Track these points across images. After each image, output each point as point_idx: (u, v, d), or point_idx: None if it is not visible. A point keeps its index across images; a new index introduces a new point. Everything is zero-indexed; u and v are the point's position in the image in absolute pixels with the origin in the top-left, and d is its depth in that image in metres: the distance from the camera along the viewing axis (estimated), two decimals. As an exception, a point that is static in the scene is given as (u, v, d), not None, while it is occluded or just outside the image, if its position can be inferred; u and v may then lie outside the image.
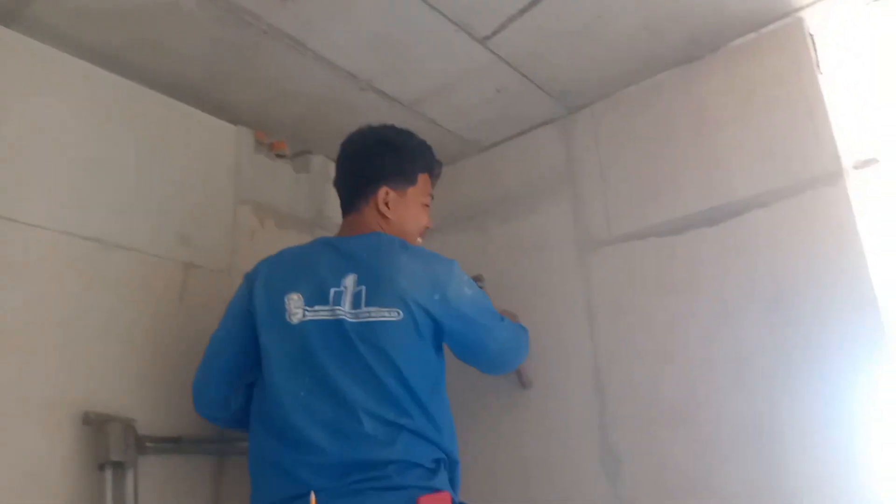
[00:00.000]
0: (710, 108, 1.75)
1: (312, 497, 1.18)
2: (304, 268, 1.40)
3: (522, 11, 1.58)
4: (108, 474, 1.34)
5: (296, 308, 1.35)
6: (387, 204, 1.49)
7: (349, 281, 1.36)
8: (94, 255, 1.56)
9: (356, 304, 1.34)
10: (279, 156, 2.08)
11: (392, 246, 1.42)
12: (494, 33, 1.66)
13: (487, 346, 1.50)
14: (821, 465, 1.41)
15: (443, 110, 2.01)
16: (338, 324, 1.32)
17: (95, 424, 1.39)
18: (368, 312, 1.33)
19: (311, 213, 2.07)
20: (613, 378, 1.75)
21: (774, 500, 1.45)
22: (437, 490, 1.27)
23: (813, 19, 1.66)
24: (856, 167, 1.54)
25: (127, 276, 1.60)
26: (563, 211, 1.98)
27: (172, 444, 1.50)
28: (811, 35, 1.67)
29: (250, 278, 1.46)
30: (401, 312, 1.33)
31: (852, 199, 1.50)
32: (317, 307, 1.34)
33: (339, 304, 1.34)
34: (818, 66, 1.64)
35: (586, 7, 1.58)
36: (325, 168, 2.14)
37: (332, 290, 1.35)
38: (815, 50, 1.67)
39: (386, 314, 1.33)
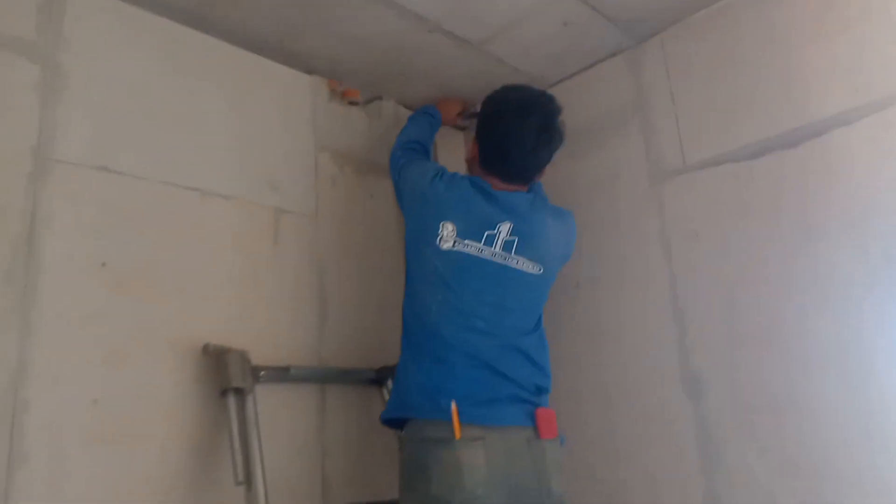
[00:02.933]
0: (784, 28, 1.72)
1: (453, 406, 1.42)
2: (460, 202, 1.61)
3: (593, -61, 1.57)
4: (231, 400, 1.47)
5: (448, 236, 1.56)
6: None
7: (504, 228, 1.58)
8: (193, 204, 1.67)
9: (507, 249, 1.57)
10: (351, 103, 2.14)
11: (544, 207, 1.71)
12: (563, -35, 1.66)
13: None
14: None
15: (510, 49, 2.02)
16: (484, 261, 1.55)
17: (214, 355, 1.52)
18: (516, 260, 1.58)
19: (388, 158, 2.13)
20: (692, 304, 1.79)
21: (860, 418, 1.48)
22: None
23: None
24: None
25: (225, 222, 1.71)
26: (633, 143, 1.99)
27: (282, 373, 1.62)
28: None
29: (444, 177, 1.68)
30: (541, 268, 1.60)
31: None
32: (468, 241, 1.56)
33: (490, 246, 1.57)
34: (903, -25, 1.60)
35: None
36: (397, 113, 2.19)
37: (486, 232, 1.57)
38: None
39: (530, 266, 1.59)
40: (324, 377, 1.76)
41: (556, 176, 2.12)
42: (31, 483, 1.28)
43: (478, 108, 1.94)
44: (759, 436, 1.61)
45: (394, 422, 1.58)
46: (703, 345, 1.75)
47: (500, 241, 1.57)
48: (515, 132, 1.64)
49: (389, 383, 1.80)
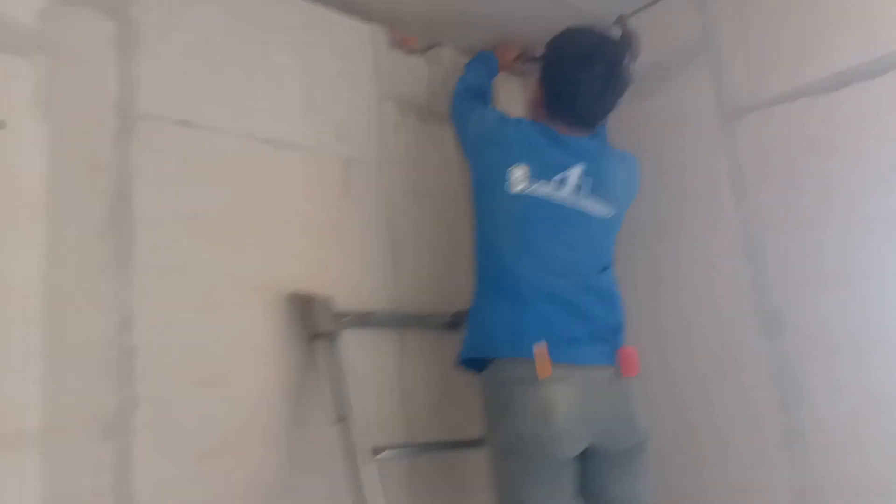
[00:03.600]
0: (864, -49, 1.66)
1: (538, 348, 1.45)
2: (529, 146, 1.61)
3: None
4: (320, 344, 1.52)
5: (519, 179, 1.56)
6: None
7: (574, 171, 1.60)
8: (269, 155, 1.69)
9: (578, 192, 1.60)
10: (410, 51, 2.12)
11: (611, 151, 1.74)
12: None
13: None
14: None
15: (571, -13, 1.98)
16: (556, 204, 1.57)
17: (301, 302, 1.56)
18: (587, 202, 1.60)
19: (449, 106, 2.13)
20: (766, 244, 1.77)
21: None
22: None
23: None
24: None
25: (299, 173, 1.74)
26: (701, 80, 1.95)
27: (364, 318, 1.67)
28: None
29: (510, 122, 1.70)
30: (611, 210, 1.64)
31: None
32: (538, 184, 1.57)
33: (561, 188, 1.58)
34: None
35: None
36: (456, 60, 2.17)
37: (556, 175, 1.59)
38: None
39: (601, 209, 1.62)
40: (402, 322, 1.80)
41: (621, 117, 2.08)
42: (143, 424, 1.35)
43: (536, 53, 1.91)
44: (839, 374, 1.61)
45: (471, 363, 1.61)
46: (779, 284, 1.74)
47: (570, 185, 1.59)
48: (581, 80, 1.63)
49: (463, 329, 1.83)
